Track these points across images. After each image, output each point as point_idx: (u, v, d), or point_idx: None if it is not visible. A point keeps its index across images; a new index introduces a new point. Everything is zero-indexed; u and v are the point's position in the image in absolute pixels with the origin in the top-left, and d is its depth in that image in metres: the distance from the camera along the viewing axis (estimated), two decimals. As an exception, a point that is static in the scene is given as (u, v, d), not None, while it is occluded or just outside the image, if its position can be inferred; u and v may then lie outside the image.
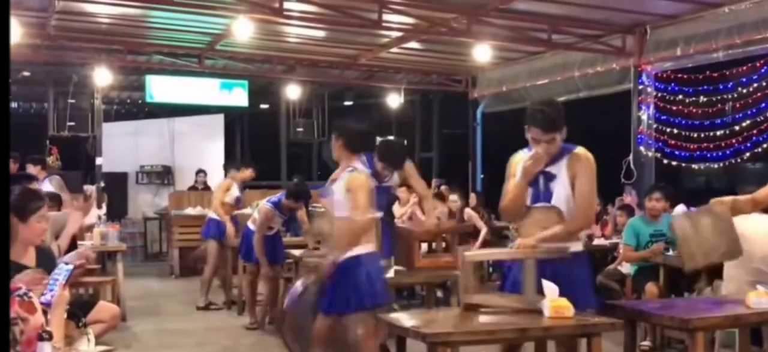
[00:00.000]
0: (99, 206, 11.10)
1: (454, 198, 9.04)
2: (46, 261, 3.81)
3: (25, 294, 2.24)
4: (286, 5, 8.77)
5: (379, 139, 6.40)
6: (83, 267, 3.32)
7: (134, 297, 9.10)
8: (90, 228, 8.42)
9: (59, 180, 9.16)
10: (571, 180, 3.92)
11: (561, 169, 3.94)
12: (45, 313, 2.42)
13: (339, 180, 4.69)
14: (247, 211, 11.00)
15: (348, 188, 4.55)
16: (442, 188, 10.56)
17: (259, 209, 7.67)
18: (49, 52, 11.47)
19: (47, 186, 9.00)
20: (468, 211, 9.04)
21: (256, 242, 7.37)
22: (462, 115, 14.47)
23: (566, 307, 3.69)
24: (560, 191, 3.93)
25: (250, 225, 7.75)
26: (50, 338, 2.14)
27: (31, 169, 9.19)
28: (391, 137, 8.78)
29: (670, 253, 6.69)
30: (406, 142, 17.04)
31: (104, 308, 5.63)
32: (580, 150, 3.98)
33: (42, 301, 2.72)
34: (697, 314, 4.00)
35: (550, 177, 3.96)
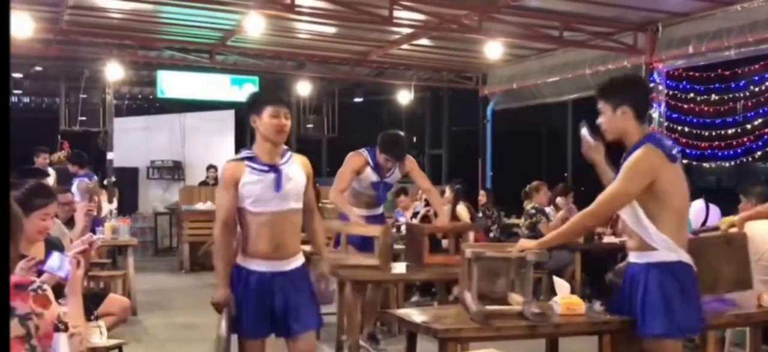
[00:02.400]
0: (110, 201, 11.19)
1: (447, 195, 8.96)
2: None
3: (40, 288, 2.25)
4: (298, 1, 8.78)
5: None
6: (88, 252, 3.34)
7: (144, 291, 9.14)
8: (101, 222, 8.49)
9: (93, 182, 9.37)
10: None
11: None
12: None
13: None
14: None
15: None
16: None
17: None
18: (61, 46, 11.52)
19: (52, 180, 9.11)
20: (460, 207, 8.94)
21: None
22: (472, 112, 14.45)
23: (578, 304, 3.70)
24: None
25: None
26: (66, 328, 2.16)
27: (39, 160, 9.29)
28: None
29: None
30: (415, 138, 17.19)
31: (115, 301, 5.69)
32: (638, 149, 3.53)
33: (44, 269, 2.75)
34: (708, 313, 3.98)
35: None
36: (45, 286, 2.25)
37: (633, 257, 3.63)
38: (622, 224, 3.76)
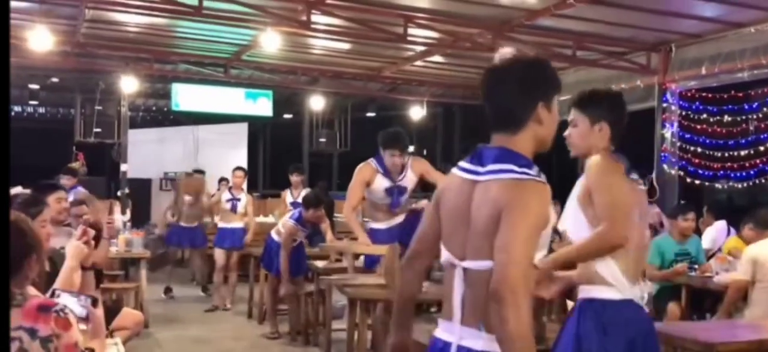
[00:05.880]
0: (123, 212, 11.26)
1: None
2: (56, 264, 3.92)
3: (62, 310, 2.29)
4: (314, 18, 8.85)
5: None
6: (87, 236, 3.43)
7: (156, 303, 9.19)
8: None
9: (84, 192, 9.26)
10: None
11: None
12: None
13: None
14: (269, 220, 11.16)
15: None
16: None
17: (284, 224, 7.72)
18: (77, 59, 11.62)
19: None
20: None
21: (282, 259, 7.43)
22: (484, 128, 14.44)
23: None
24: None
25: (274, 236, 7.81)
26: (92, 356, 2.20)
27: (64, 180, 9.30)
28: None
29: (694, 274, 6.68)
30: (425, 152, 17.19)
31: (128, 315, 5.73)
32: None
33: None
34: (720, 339, 3.99)
35: None
36: (67, 308, 2.29)
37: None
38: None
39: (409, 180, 6.10)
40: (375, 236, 6.14)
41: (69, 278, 3.58)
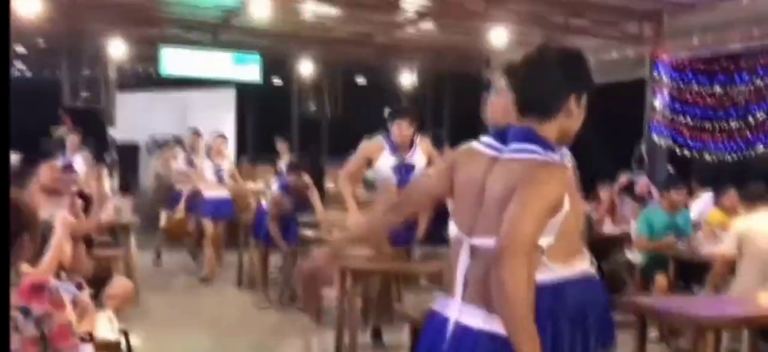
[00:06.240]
0: (111, 176, 11.18)
1: None
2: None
3: (56, 290, 2.27)
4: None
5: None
6: (76, 207, 3.45)
7: (145, 269, 9.18)
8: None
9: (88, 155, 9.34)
10: None
11: None
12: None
13: None
14: (259, 186, 11.11)
15: None
16: None
17: (271, 195, 7.71)
18: (63, 22, 11.47)
19: (79, 162, 9.18)
20: None
21: (271, 230, 7.40)
22: (475, 95, 14.41)
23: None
24: None
25: (264, 204, 7.79)
26: (91, 339, 2.18)
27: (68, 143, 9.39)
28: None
29: (682, 246, 6.74)
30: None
31: (119, 284, 5.69)
32: None
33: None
34: (707, 314, 4.02)
35: None
36: (60, 290, 2.27)
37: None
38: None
39: (418, 158, 5.78)
40: None
41: (58, 250, 3.55)
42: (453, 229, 2.22)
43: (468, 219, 2.16)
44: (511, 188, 2.05)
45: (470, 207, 2.16)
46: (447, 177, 2.30)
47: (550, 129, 2.17)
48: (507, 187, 2.06)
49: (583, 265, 2.74)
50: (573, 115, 2.20)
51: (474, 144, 2.28)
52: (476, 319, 2.11)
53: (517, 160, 2.11)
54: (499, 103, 2.95)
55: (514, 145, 2.15)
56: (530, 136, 2.14)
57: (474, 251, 2.13)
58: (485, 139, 2.26)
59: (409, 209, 2.47)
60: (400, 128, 5.67)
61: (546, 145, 2.13)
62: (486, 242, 2.08)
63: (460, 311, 2.15)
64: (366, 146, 5.84)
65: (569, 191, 2.73)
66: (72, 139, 9.63)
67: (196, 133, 10.54)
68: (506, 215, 2.01)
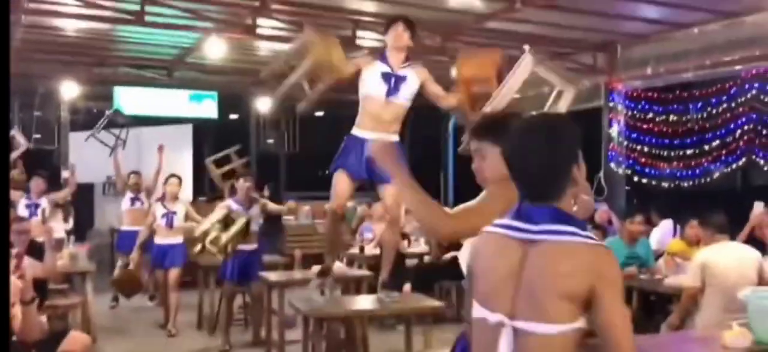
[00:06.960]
0: (65, 220, 10.92)
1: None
2: None
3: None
4: (259, 21, 8.70)
5: None
6: (21, 270, 3.32)
7: (103, 315, 8.94)
8: (59, 244, 8.28)
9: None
10: None
11: None
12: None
13: None
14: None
15: None
16: None
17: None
18: (14, 64, 11.19)
19: (45, 204, 9.07)
20: None
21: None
22: (433, 127, 14.49)
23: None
24: None
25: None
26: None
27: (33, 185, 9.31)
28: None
29: (644, 276, 6.76)
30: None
31: (75, 339, 5.52)
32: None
33: None
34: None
35: None
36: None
37: None
38: None
39: (410, 76, 5.32)
40: (349, 144, 5.48)
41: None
42: (481, 312, 2.14)
43: (504, 302, 2.08)
44: (588, 277, 2.00)
45: (505, 291, 2.08)
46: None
47: (566, 204, 2.13)
48: (580, 275, 2.01)
49: None
50: (579, 182, 2.16)
51: (490, 229, 2.20)
52: None
53: (567, 243, 2.04)
54: (485, 167, 2.88)
55: (548, 226, 2.08)
56: (559, 216, 2.09)
57: (518, 334, 2.05)
58: (503, 220, 2.17)
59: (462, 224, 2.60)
60: (396, 34, 5.23)
61: (578, 222, 2.10)
62: (534, 326, 2.02)
63: None
64: (359, 59, 5.47)
65: None
66: (37, 182, 9.44)
67: (136, 173, 10.39)
68: (604, 320, 2.00)
